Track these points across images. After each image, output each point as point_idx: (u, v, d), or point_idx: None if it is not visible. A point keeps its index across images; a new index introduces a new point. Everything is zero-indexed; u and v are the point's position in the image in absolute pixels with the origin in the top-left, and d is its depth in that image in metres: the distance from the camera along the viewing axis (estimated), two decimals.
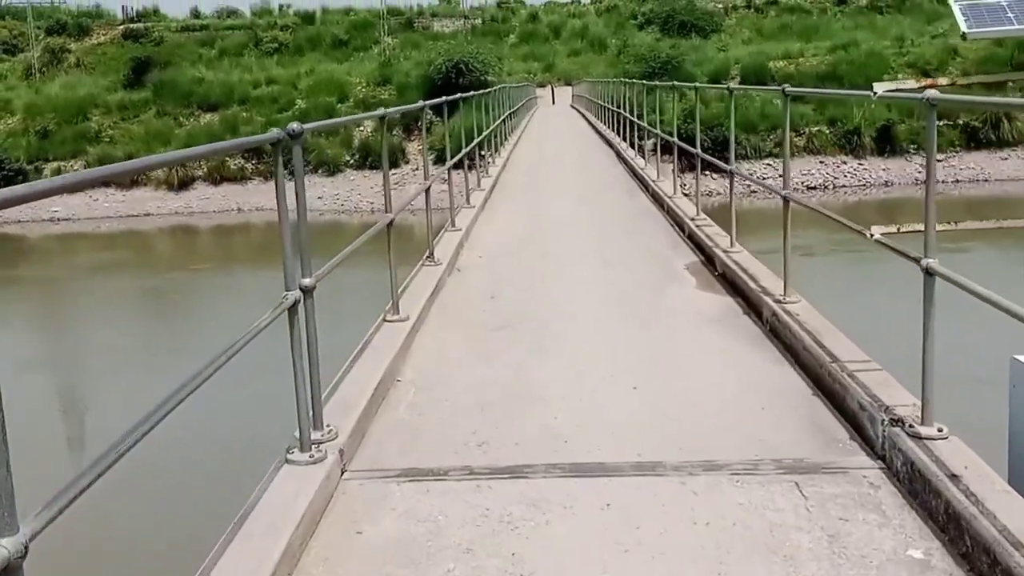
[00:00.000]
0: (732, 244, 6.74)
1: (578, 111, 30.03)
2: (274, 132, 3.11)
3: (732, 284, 6.03)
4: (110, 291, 17.82)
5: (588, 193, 11.68)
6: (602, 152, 17.35)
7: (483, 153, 12.87)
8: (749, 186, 23.29)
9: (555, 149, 18.27)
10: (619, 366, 4.56)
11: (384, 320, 5.13)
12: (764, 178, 20.83)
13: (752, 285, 5.51)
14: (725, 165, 7.04)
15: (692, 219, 8.05)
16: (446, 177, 8.39)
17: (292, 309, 3.11)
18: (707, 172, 22.32)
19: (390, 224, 5.18)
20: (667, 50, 31.14)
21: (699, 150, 8.38)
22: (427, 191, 6.94)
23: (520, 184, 12.77)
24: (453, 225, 8.31)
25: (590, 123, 24.71)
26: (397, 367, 4.52)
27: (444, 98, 9.45)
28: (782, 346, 4.69)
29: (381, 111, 5.45)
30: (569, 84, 36.29)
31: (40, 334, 15.35)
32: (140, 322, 15.52)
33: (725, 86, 8.15)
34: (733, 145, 7.15)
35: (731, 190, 7.03)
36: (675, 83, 11.25)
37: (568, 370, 4.51)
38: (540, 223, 9.44)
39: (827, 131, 25.63)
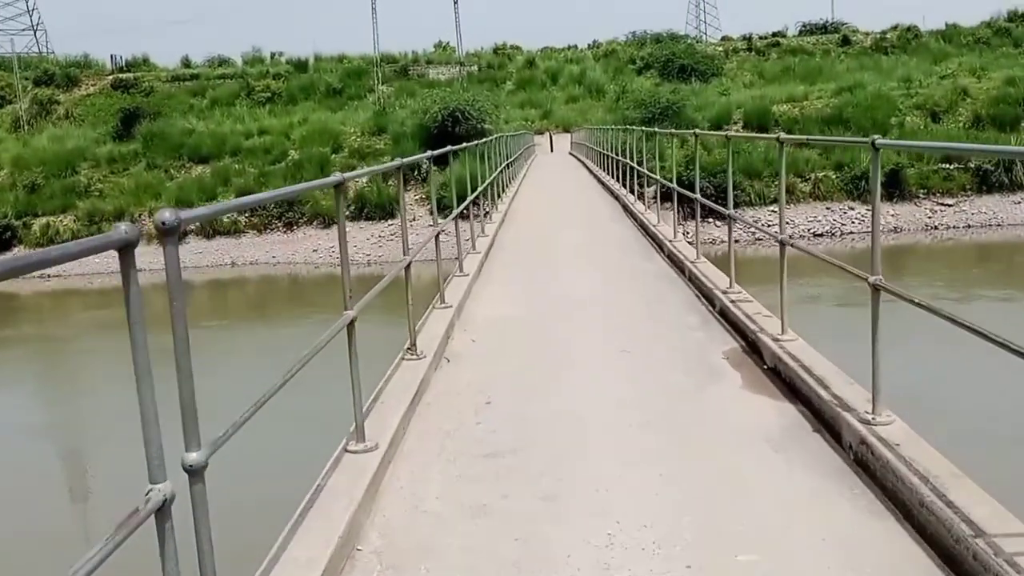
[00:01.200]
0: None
1: (577, 159, 30.41)
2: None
3: (789, 385, 4.91)
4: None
5: (596, 256, 10.64)
6: (607, 205, 16.59)
7: (478, 212, 12.39)
8: (754, 233, 23.55)
9: (556, 203, 17.50)
10: (662, 529, 3.35)
11: (344, 450, 3.98)
12: (769, 225, 21.04)
13: (823, 394, 4.36)
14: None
15: (724, 292, 6.92)
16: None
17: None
18: (709, 219, 22.62)
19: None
20: (667, 95, 31.53)
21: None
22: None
23: (520, 246, 11.68)
24: (443, 301, 7.12)
25: (591, 172, 24.51)
26: (358, 527, 3.41)
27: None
28: (879, 490, 3.57)
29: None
30: (567, 131, 36.78)
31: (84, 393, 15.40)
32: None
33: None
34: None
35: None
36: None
37: (592, 533, 3.35)
38: (543, 296, 8.19)
39: (833, 176, 25.80)
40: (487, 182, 12.55)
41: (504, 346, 6.34)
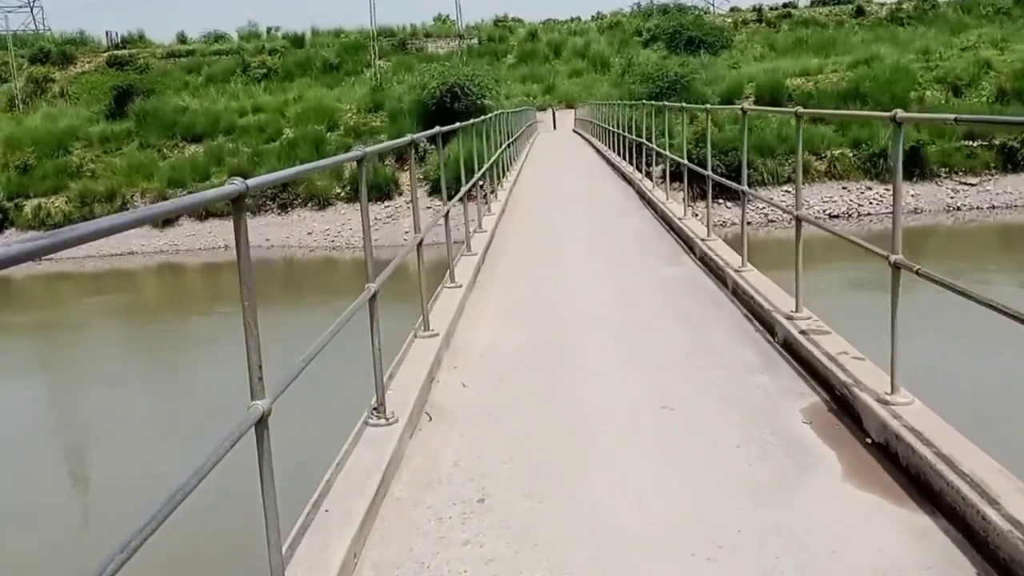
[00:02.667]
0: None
1: (582, 137, 29.68)
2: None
3: (914, 477, 3.42)
4: (145, 339, 17.45)
5: (614, 259, 8.85)
6: (620, 192, 14.76)
7: (478, 198, 11.38)
8: (767, 215, 22.97)
9: (563, 189, 15.81)
10: None
11: None
12: (789, 207, 20.47)
13: (990, 511, 2.85)
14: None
15: (789, 316, 5.44)
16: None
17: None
18: (721, 200, 22.05)
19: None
20: (676, 68, 30.88)
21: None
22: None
23: (522, 246, 10.09)
24: (427, 328, 5.65)
25: (599, 152, 23.17)
26: None
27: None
28: None
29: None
30: (571, 107, 36.12)
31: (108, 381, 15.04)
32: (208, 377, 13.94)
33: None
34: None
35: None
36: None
37: None
38: (551, 315, 6.67)
39: (850, 154, 25.12)
40: (487, 164, 11.66)
41: (503, 395, 4.80)
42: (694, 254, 8.47)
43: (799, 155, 5.60)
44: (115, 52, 43.28)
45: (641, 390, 4.71)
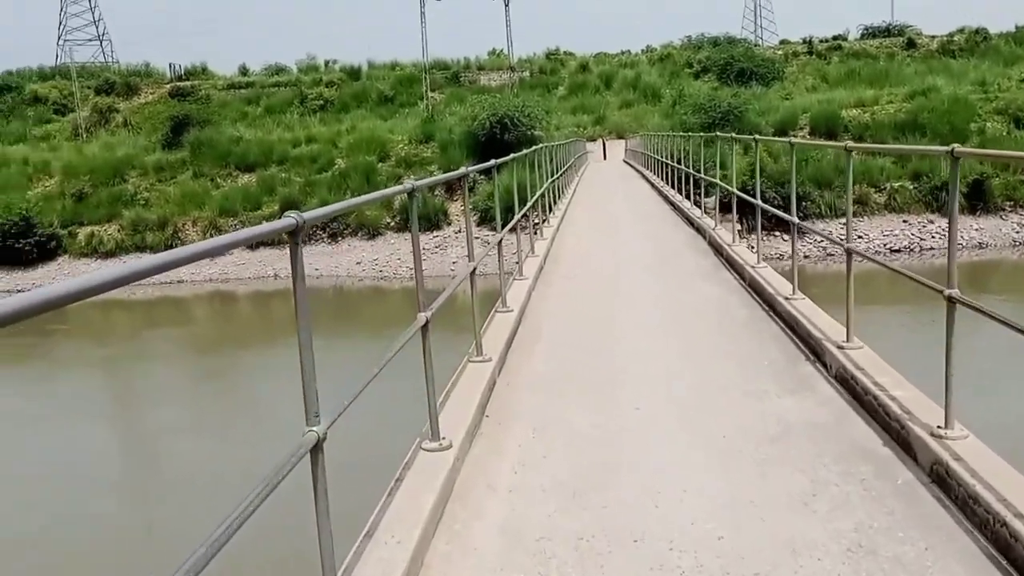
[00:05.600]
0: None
1: (634, 168, 29.13)
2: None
3: (968, 511, 3.22)
4: (205, 366, 17.39)
5: (688, 337, 6.32)
6: (682, 235, 12.24)
7: (529, 220, 10.50)
8: (824, 248, 22.35)
9: (616, 230, 13.54)
10: None
11: None
12: (841, 239, 19.89)
13: None
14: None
15: (840, 345, 5.04)
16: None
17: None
18: (776, 232, 21.55)
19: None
20: (728, 99, 30.52)
21: (759, 201, 8.69)
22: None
23: (573, 270, 9.17)
24: (480, 353, 5.31)
25: (653, 186, 21.30)
26: None
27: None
28: None
29: (463, 169, 5.88)
30: (621, 137, 35.88)
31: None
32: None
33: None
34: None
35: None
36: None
37: None
38: (602, 338, 6.01)
39: (911, 187, 24.32)
40: (538, 193, 11.43)
41: (557, 419, 4.48)
42: (743, 280, 8.33)
43: (849, 189, 5.68)
44: (177, 83, 44.29)
45: (697, 428, 4.41)
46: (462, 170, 5.90)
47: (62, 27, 62.89)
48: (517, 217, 8.62)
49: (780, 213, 8.01)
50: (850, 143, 5.70)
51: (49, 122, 41.00)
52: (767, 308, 6.95)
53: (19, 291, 22.56)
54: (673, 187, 17.71)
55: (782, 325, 6.37)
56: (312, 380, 2.46)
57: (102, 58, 60.14)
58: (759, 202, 8.62)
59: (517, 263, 9.07)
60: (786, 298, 6.68)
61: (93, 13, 65.87)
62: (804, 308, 6.28)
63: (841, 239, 6.04)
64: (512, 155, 9.76)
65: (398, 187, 4.09)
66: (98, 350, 19.97)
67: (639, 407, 4.73)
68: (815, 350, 5.49)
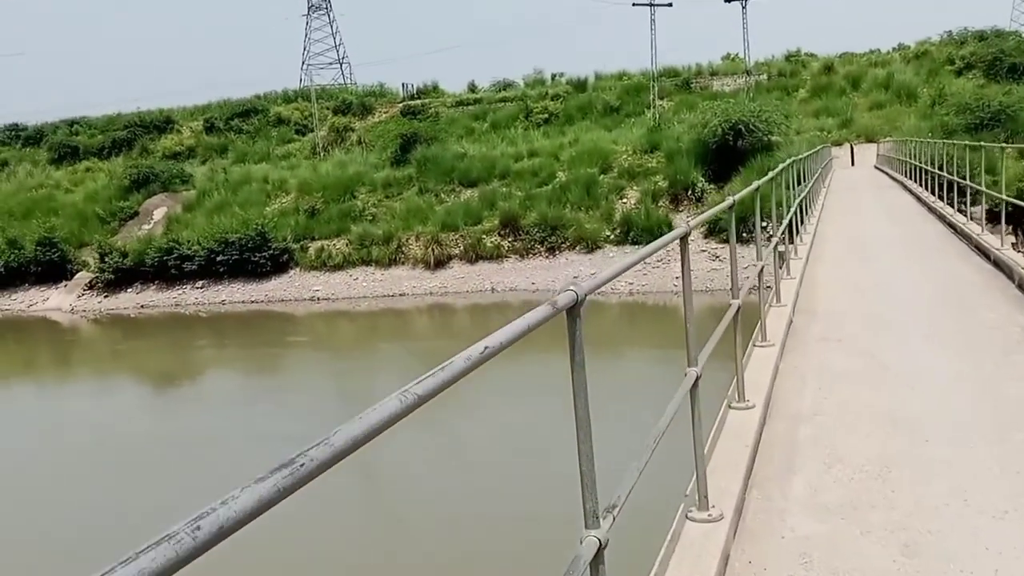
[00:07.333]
0: None
1: (890, 177, 25.43)
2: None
3: None
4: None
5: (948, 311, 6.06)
6: (971, 273, 9.40)
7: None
8: None
9: (876, 260, 10.89)
10: None
11: None
12: None
13: None
14: None
15: None
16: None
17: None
18: None
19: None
20: (1000, 97, 26.94)
21: None
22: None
23: (835, 300, 7.88)
24: (741, 399, 4.82)
25: (918, 198, 17.90)
26: None
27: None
28: None
29: (730, 199, 5.26)
30: (871, 141, 32.47)
31: None
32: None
33: None
34: None
35: None
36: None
37: None
38: (880, 380, 5.21)
39: None
40: (790, 213, 9.54)
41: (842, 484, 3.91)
42: None
43: None
44: (409, 102, 45.44)
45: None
46: (730, 200, 5.26)
47: (306, 52, 66.61)
48: (775, 240, 7.81)
49: None
50: None
51: (290, 142, 43.08)
52: None
53: (253, 301, 23.24)
54: (952, 206, 14.34)
55: None
56: (591, 469, 2.20)
57: (341, 80, 63.12)
58: None
59: (769, 288, 7.73)
60: None
61: (334, 38, 69.41)
62: None
63: None
64: (771, 173, 8.44)
65: (672, 233, 3.67)
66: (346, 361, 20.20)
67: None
68: None
